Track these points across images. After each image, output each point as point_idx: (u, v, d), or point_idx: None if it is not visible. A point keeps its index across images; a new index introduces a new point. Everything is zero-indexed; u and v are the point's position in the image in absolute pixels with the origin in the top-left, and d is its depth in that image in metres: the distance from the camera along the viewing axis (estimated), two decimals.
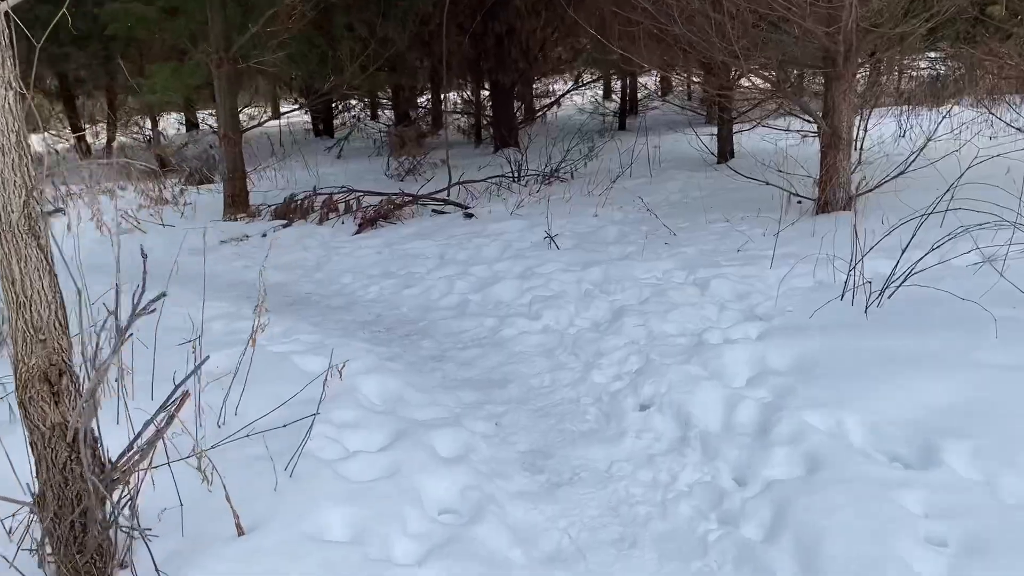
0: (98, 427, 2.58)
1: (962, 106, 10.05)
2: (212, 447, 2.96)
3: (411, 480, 3.05)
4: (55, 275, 2.48)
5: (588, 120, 15.02)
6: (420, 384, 4.14)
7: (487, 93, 13.94)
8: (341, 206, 8.53)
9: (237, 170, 8.99)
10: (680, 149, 10.96)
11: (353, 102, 17.34)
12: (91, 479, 2.42)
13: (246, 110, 18.92)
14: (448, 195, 9.04)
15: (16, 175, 2.30)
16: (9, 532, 2.73)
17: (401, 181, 11.00)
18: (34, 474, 2.55)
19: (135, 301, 2.60)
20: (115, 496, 2.61)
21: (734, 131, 9.70)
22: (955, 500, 2.60)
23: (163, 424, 2.68)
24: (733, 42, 6.14)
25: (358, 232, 7.87)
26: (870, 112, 8.30)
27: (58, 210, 9.81)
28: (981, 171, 5.13)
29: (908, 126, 9.44)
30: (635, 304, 5.01)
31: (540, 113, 15.41)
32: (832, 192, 6.47)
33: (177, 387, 2.79)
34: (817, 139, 6.66)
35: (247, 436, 2.99)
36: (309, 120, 20.24)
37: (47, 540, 2.48)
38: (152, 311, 2.51)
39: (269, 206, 8.84)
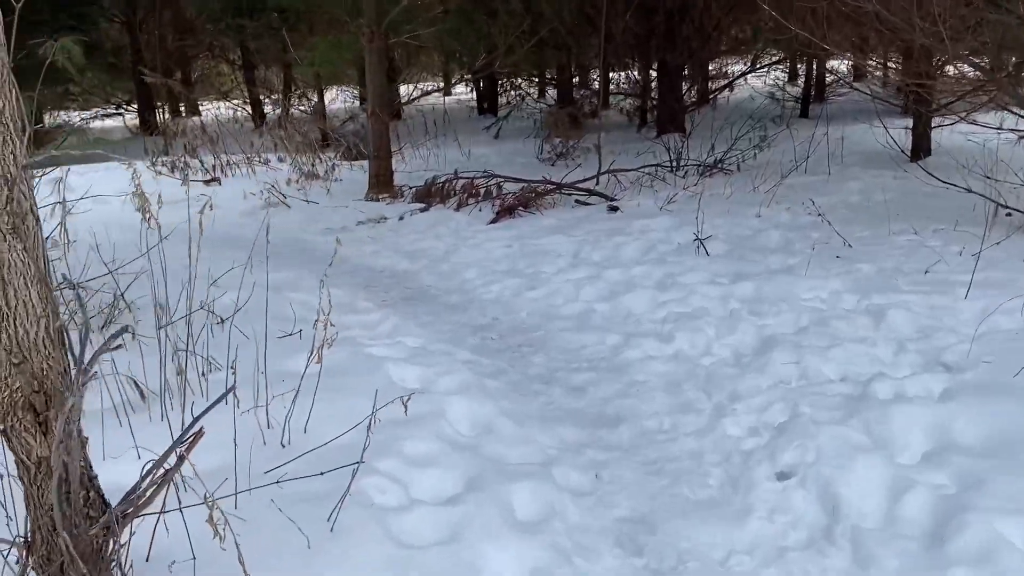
0: (88, 464, 2.20)
1: None
2: (239, 492, 2.54)
3: (474, 550, 2.50)
4: (48, 283, 2.09)
5: (764, 105, 13.81)
6: (517, 413, 3.57)
7: (655, 73, 13.09)
8: (482, 191, 8.08)
9: (382, 149, 8.74)
10: (867, 143, 9.69)
11: (519, 80, 16.89)
12: (70, 534, 2.03)
13: (412, 85, 19.00)
14: (597, 183, 8.39)
15: None
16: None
17: (552, 166, 10.44)
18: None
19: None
20: (112, 543, 2.23)
21: (932, 126, 8.39)
22: None
23: (172, 466, 2.26)
24: (939, 23, 5.10)
25: (494, 221, 7.38)
26: None
27: (214, 179, 10.00)
28: None
29: None
30: (789, 333, 4.20)
31: (711, 96, 14.34)
32: None
33: (195, 420, 2.37)
34: None
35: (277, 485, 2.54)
36: (474, 97, 20.08)
37: None
38: (116, 348, 2.05)
39: (411, 187, 8.54)
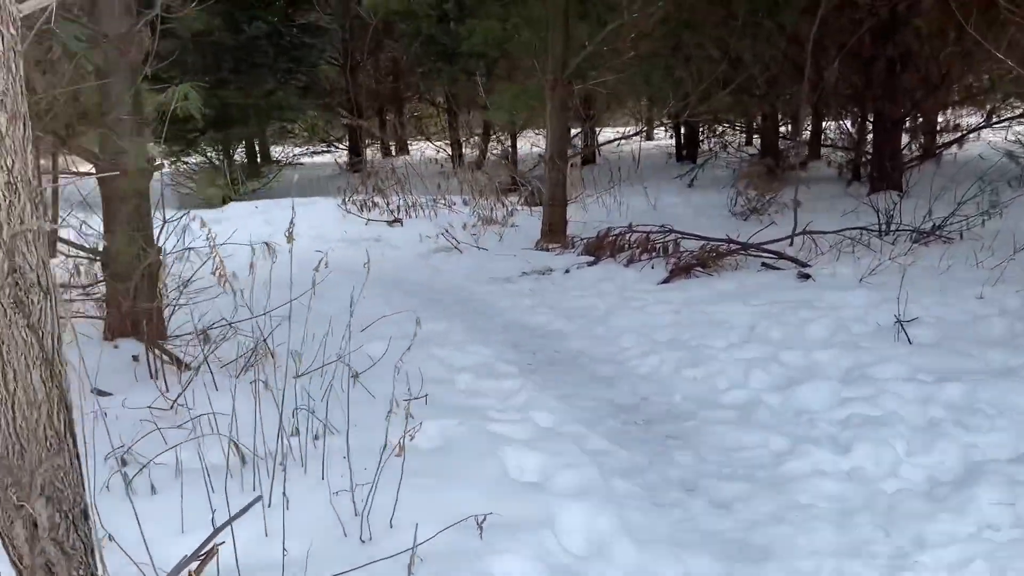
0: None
1: None
2: None
3: None
4: (60, 366, 1.83)
5: (999, 165, 12.16)
6: (644, 529, 2.99)
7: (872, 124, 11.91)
8: (658, 247, 7.50)
9: (557, 198, 8.41)
10: None
11: (719, 128, 16.13)
12: None
13: (613, 129, 18.71)
14: (791, 243, 7.56)
15: None
16: None
17: (744, 220, 9.65)
18: None
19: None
20: None
21: None
22: None
23: None
24: None
25: (665, 281, 6.78)
26: None
27: (396, 220, 10.11)
28: None
29: None
30: (1005, 460, 3.33)
31: (936, 152, 12.86)
32: None
33: (216, 532, 2.04)
34: None
35: None
36: (673, 143, 19.46)
37: None
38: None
39: (583, 239, 8.12)
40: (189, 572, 1.95)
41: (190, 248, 6.54)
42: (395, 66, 18.35)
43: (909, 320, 5.05)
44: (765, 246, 7.19)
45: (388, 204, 10.62)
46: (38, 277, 1.72)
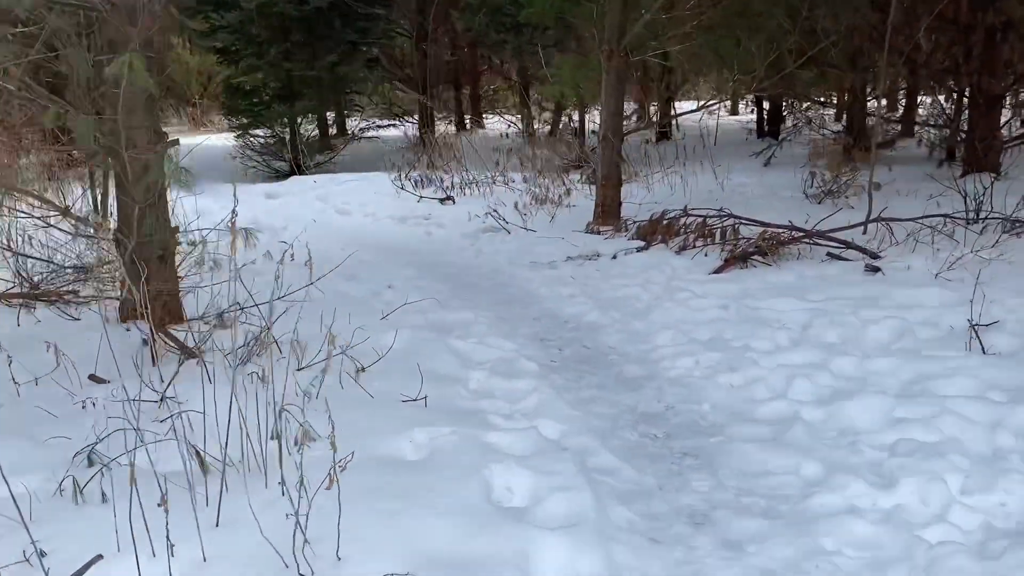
0: None
1: None
2: None
3: None
4: None
5: None
6: (637, 571, 2.59)
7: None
8: (716, 232, 6.96)
9: (610, 177, 7.93)
10: None
11: (802, 104, 15.20)
12: None
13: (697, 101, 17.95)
14: (865, 231, 6.91)
15: None
16: None
17: (818, 204, 8.95)
18: None
19: None
20: None
21: None
22: None
23: None
24: None
25: (718, 271, 6.26)
26: None
27: (448, 198, 9.80)
28: None
29: None
30: None
31: None
32: None
33: None
34: None
35: None
36: (755, 117, 18.52)
37: None
38: None
39: (636, 222, 7.63)
40: None
41: (211, 229, 6.37)
42: (466, 38, 17.96)
43: (987, 324, 4.44)
44: (832, 233, 6.56)
45: (442, 181, 10.32)
46: None
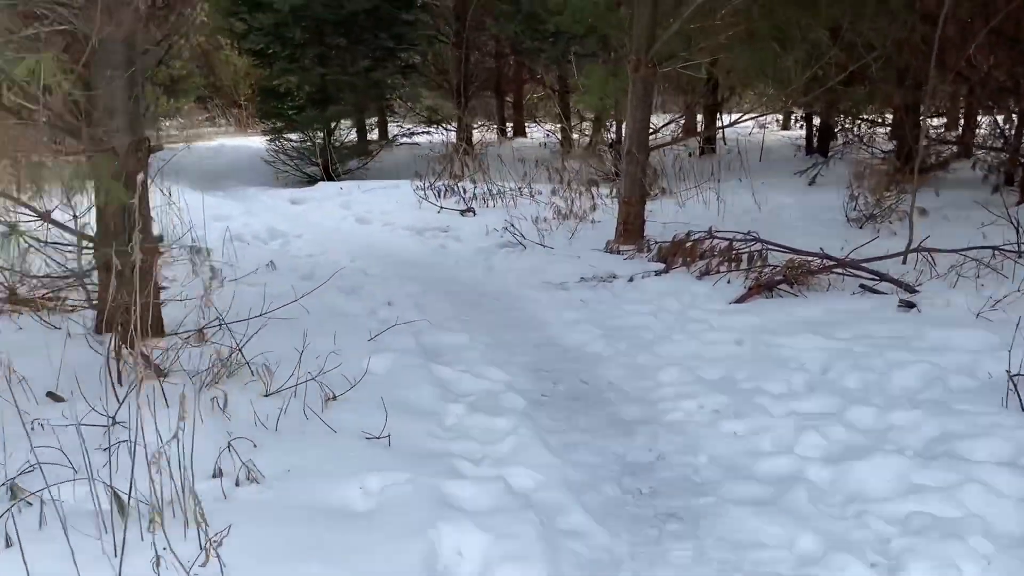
0: None
1: None
2: None
3: None
4: None
5: None
6: None
7: None
8: (744, 257, 6.52)
9: (634, 195, 7.53)
10: None
11: (849, 120, 14.57)
12: None
13: (744, 113, 17.39)
14: (904, 261, 6.41)
15: None
16: None
17: (859, 228, 8.44)
18: None
19: None
20: None
21: None
22: None
23: None
24: None
25: (740, 300, 5.82)
26: None
27: (468, 210, 9.50)
28: None
29: None
30: None
31: None
32: None
33: None
34: None
35: None
36: (804, 133, 17.86)
37: None
38: None
39: (659, 242, 7.21)
40: None
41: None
42: (502, 46, 17.69)
43: None
44: (867, 264, 6.08)
45: (464, 191, 10.01)
46: None
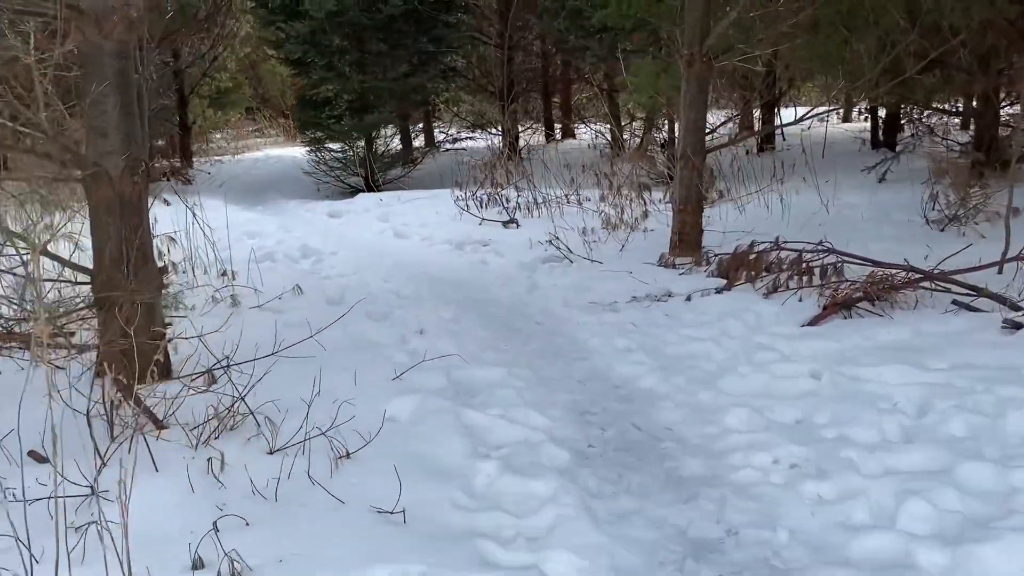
0: None
1: None
2: None
3: None
4: None
5: None
6: None
7: None
8: (813, 270, 5.82)
9: (689, 202, 6.87)
10: None
11: (921, 111, 13.59)
12: None
13: (808, 107, 16.51)
14: (1000, 271, 5.64)
15: None
16: None
17: (940, 231, 7.63)
18: None
19: None
20: None
21: None
22: None
23: None
24: None
25: (814, 322, 5.14)
26: None
27: (511, 221, 8.94)
28: None
29: None
30: None
31: None
32: None
33: None
34: None
35: None
36: (869, 126, 16.84)
37: None
38: None
39: (719, 254, 6.54)
40: None
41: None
42: (545, 45, 17.09)
43: None
44: (959, 276, 5.33)
45: (506, 201, 9.44)
46: None
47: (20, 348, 4.74)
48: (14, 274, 4.72)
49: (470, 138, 15.86)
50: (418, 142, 17.76)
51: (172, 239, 7.13)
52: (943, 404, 3.76)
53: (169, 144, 20.95)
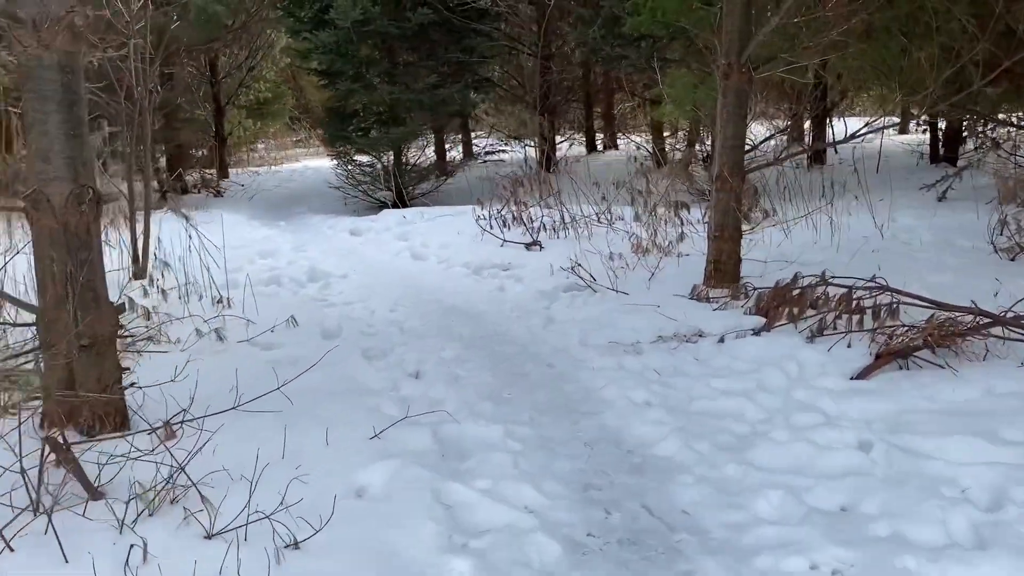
0: None
1: None
2: None
3: None
4: None
5: None
6: None
7: None
8: (865, 310, 5.11)
9: (727, 228, 6.19)
10: None
11: (986, 123, 12.64)
12: None
13: (863, 121, 15.65)
14: None
15: None
16: None
17: (1010, 260, 6.84)
18: None
19: None
20: None
21: None
22: None
23: None
24: None
25: (864, 374, 4.45)
26: None
27: (535, 243, 8.35)
28: None
29: None
30: None
31: None
32: None
33: None
34: None
35: None
36: (928, 139, 15.84)
37: None
38: None
39: (757, 288, 5.85)
40: None
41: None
42: (580, 55, 16.47)
43: None
44: None
45: (531, 220, 8.84)
46: None
47: None
48: None
49: (502, 151, 15.30)
50: (453, 153, 17.29)
51: (166, 264, 6.70)
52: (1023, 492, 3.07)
53: (211, 154, 20.86)
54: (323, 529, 2.99)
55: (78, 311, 3.75)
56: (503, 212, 9.31)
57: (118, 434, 3.91)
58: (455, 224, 9.69)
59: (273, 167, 22.88)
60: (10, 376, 3.98)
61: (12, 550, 2.89)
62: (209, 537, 2.99)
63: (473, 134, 19.95)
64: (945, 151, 14.67)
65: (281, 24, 14.60)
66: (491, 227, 9.06)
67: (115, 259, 7.31)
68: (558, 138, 17.33)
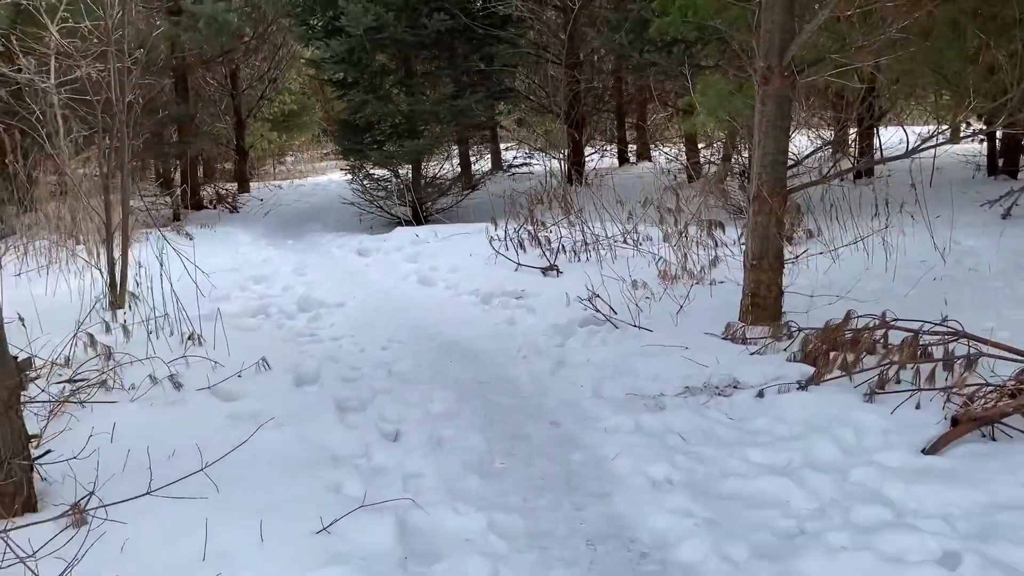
0: None
1: None
2: None
3: None
4: None
5: None
6: None
7: None
8: (937, 360, 4.25)
9: (767, 256, 5.36)
10: None
11: None
12: None
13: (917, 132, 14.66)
14: None
15: None
16: None
17: None
18: None
19: None
20: None
21: None
22: None
23: None
24: None
25: (937, 447, 3.59)
26: None
27: (552, 267, 7.56)
28: None
29: None
30: None
31: None
32: None
33: None
34: None
35: None
36: (985, 150, 14.73)
37: None
38: None
39: (801, 328, 5.00)
40: None
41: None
42: (607, 62, 15.69)
43: None
44: None
45: (548, 242, 8.06)
46: None
47: None
48: None
49: (526, 163, 14.54)
50: (479, 165, 16.59)
51: (134, 295, 6.04)
52: None
53: (233, 168, 20.44)
54: None
55: None
56: (519, 232, 8.54)
57: (22, 518, 3.23)
58: (468, 244, 8.95)
59: (296, 180, 22.38)
60: None
61: None
62: None
63: (503, 144, 19.24)
64: (1004, 162, 13.58)
65: (293, 32, 14.04)
66: (506, 248, 8.30)
67: (86, 284, 6.71)
68: (588, 150, 16.53)
